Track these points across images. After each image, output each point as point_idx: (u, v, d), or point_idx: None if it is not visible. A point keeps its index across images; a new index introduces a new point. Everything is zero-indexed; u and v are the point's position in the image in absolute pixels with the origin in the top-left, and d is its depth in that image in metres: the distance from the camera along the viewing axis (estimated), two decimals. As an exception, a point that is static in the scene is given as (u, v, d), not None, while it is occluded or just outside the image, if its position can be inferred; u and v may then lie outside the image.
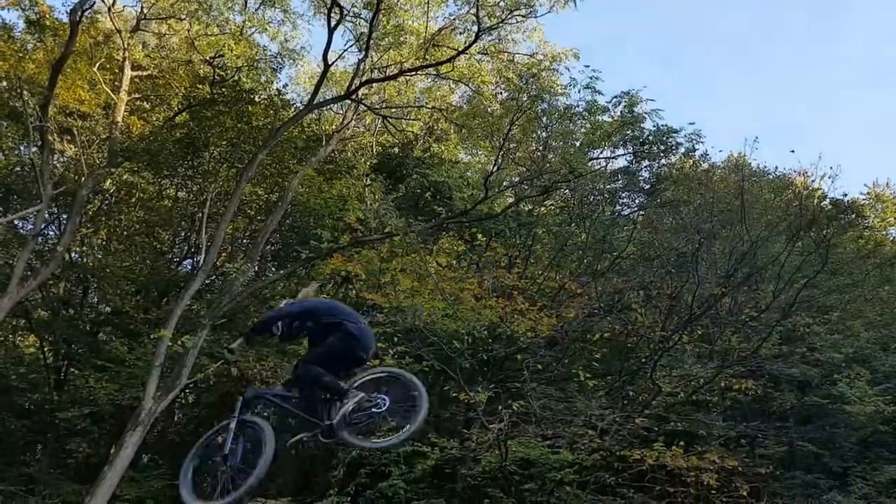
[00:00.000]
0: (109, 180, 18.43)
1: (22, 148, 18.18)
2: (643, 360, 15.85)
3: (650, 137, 17.14)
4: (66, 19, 17.11)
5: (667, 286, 16.06)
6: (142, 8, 18.72)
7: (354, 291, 18.44)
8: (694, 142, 17.09)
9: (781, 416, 18.54)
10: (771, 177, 20.91)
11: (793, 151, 31.67)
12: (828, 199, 16.82)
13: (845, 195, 16.43)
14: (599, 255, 17.92)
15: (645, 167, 18.40)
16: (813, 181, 17.52)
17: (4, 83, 16.65)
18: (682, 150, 17.44)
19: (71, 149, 18.18)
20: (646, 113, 16.93)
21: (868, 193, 42.25)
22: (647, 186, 18.68)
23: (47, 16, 17.98)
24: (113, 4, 17.77)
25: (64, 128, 17.58)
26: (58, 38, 17.07)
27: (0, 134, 17.73)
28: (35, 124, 15.99)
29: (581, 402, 15.13)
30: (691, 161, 18.44)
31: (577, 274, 17.32)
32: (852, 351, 18.07)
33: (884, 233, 32.50)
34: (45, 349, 19.09)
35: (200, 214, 17.79)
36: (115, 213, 20.12)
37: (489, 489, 14.45)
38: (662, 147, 17.33)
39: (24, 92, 16.17)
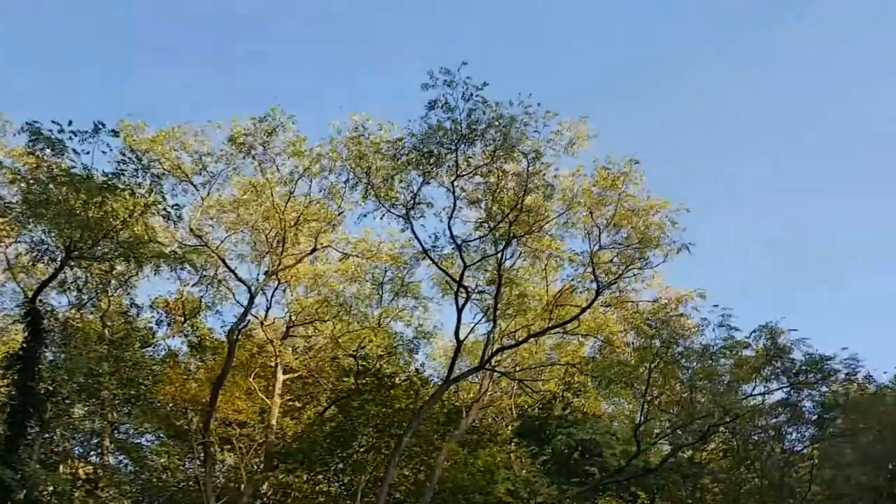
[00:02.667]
0: (266, 483, 19.03)
1: (187, 463, 19.32)
2: None
3: (804, 367, 16.30)
4: (223, 338, 19.16)
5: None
6: (290, 317, 20.68)
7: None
8: (853, 366, 16.10)
9: None
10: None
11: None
12: None
13: None
14: (780, 501, 16.25)
15: (806, 397, 17.26)
16: None
17: (171, 405, 18.22)
18: (841, 374, 16.39)
19: (231, 457, 19.17)
20: (791, 343, 16.31)
21: None
22: (815, 417, 17.36)
23: (207, 337, 20.17)
24: (265, 318, 19.74)
25: (224, 438, 18.75)
26: (217, 355, 18.90)
27: (168, 453, 19.06)
28: (199, 440, 17.17)
29: None
30: (855, 385, 17.18)
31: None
32: None
33: None
34: None
35: (353, 505, 17.81)
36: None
37: None
38: (819, 375, 16.37)
39: (189, 411, 17.62)
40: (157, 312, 19.98)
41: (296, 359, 20.68)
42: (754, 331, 16.79)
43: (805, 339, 16.47)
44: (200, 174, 18.20)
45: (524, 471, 18.48)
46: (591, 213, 18.47)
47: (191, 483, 18.84)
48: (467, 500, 18.17)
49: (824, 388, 16.76)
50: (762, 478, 16.44)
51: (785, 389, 17.10)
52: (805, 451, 17.87)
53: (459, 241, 17.69)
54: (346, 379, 19.51)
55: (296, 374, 20.31)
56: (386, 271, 20.54)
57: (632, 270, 19.13)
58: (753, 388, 17.22)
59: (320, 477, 20.22)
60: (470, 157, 16.66)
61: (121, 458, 19.12)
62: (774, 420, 17.83)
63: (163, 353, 19.70)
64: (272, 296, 19.65)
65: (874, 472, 15.89)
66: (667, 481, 17.02)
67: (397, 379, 19.84)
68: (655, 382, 18.03)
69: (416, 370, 21.12)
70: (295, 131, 17.97)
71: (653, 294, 20.56)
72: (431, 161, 16.28)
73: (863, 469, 16.37)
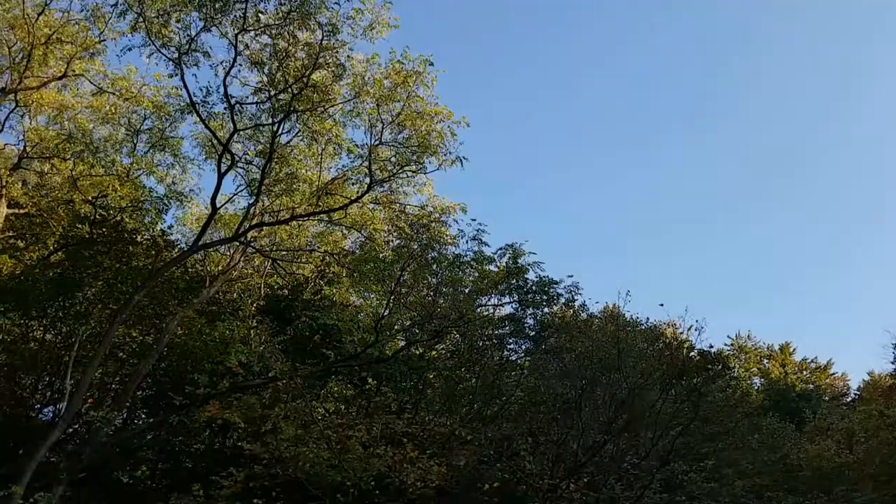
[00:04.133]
0: (-30, 320, 16.99)
1: None
2: (533, 509, 15.63)
3: (533, 287, 17.97)
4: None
5: (553, 432, 16.22)
6: (25, 146, 18.26)
7: (231, 441, 17.41)
8: (573, 293, 18.09)
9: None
10: (643, 327, 22.21)
11: (661, 305, 34.44)
12: (696, 350, 17.91)
13: (711, 346, 17.60)
14: (489, 401, 18.00)
15: (530, 315, 19.11)
16: (681, 332, 18.71)
17: None
18: (562, 300, 18.36)
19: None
20: (529, 265, 17.86)
21: (732, 345, 45.56)
22: (533, 333, 19.31)
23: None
24: (-7, 142, 17.28)
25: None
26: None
27: None
28: None
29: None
30: (572, 311, 19.34)
31: (468, 419, 17.22)
32: (728, 499, 18.61)
33: (749, 382, 34.70)
34: None
35: (67, 358, 16.58)
36: (-27, 355, 18.39)
37: None
38: (545, 297, 18.16)
39: None
40: None
41: (25, 194, 18.41)
42: (500, 248, 18.12)
43: (540, 262, 18.14)
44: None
45: (262, 347, 18.41)
46: (378, 105, 18.38)
47: None
48: (196, 367, 17.75)
49: (546, 309, 18.69)
50: (479, 379, 18.03)
51: (514, 305, 18.81)
52: (519, 361, 19.92)
53: (234, 102, 16.67)
54: (80, 226, 17.81)
55: (22, 211, 18.11)
56: (145, 119, 18.79)
57: (406, 172, 19.55)
58: (488, 300, 18.69)
59: (35, 323, 18.53)
60: (261, 13, 15.60)
61: None
62: (499, 331, 19.57)
63: None
64: (6, 119, 17.21)
65: (570, 385, 18.12)
66: (396, 371, 17.96)
67: (139, 237, 18.56)
68: (405, 283, 18.81)
69: (163, 231, 19.88)
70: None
71: (421, 200, 21.25)
72: (217, 6, 14.98)
73: (561, 382, 18.63)
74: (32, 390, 19.43)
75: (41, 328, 18.82)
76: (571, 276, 18.75)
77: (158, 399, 19.34)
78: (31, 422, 18.50)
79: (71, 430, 16.76)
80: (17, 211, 17.97)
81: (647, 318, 20.67)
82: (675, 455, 16.64)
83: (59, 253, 17.59)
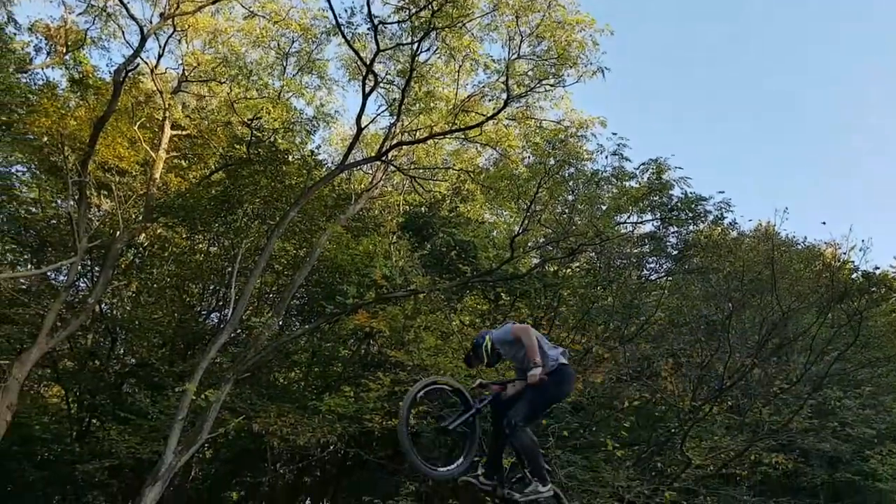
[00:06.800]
0: (144, 235, 18.83)
1: (60, 201, 18.69)
2: (672, 430, 15.45)
3: (678, 204, 17.13)
4: (109, 79, 17.93)
5: (697, 354, 15.79)
6: (183, 71, 19.47)
7: (376, 348, 18.41)
8: (723, 210, 17.04)
9: (812, 492, 17.85)
10: (800, 247, 20.71)
11: (824, 223, 31.44)
12: (859, 272, 16.55)
13: (877, 268, 16.13)
14: (627, 320, 17.71)
15: (672, 233, 18.30)
16: (843, 253, 17.29)
17: (46, 139, 17.26)
18: (710, 218, 17.38)
19: (107, 203, 18.67)
20: (674, 180, 17.00)
21: (899, 266, 41.71)
22: (675, 253, 18.54)
23: (90, 75, 18.79)
24: (156, 66, 18.51)
25: (102, 183, 18.12)
26: (100, 96, 17.77)
27: (39, 187, 18.28)
28: (74, 179, 16.48)
29: (608, 473, 14.69)
30: (720, 229, 18.34)
31: (604, 338, 17.10)
32: (884, 427, 17.47)
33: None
34: (70, 400, 19.20)
35: (230, 269, 18.04)
36: (147, 266, 20.48)
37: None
38: (690, 214, 17.29)
39: (66, 148, 16.72)
40: (37, 37, 18.25)
41: (186, 116, 19.77)
42: (643, 163, 17.32)
43: (686, 178, 17.18)
44: None
45: (402, 261, 19.07)
46: (517, 17, 17.83)
47: (63, 222, 18.34)
48: (343, 279, 18.77)
49: (691, 227, 17.83)
50: (616, 298, 17.71)
51: (655, 223, 18.09)
52: (659, 281, 19.32)
53: (377, 22, 16.75)
54: (237, 147, 18.96)
55: (184, 132, 19.49)
56: (294, 42, 19.39)
57: (544, 86, 19.03)
58: (628, 217, 18.10)
59: (200, 237, 20.23)
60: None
61: (-13, 183, 18.13)
62: (638, 250, 19.01)
63: (41, 82, 18.23)
64: (165, 44, 18.28)
65: (716, 307, 17.43)
66: (530, 288, 18.04)
67: (291, 156, 19.51)
68: (540, 199, 18.60)
69: (311, 151, 20.76)
70: None
71: (558, 114, 20.70)
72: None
73: (706, 303, 17.94)
74: (199, 298, 21.46)
75: (206, 242, 20.55)
76: (722, 191, 17.75)
77: (311, 308, 20.77)
78: (199, 326, 20.54)
79: (235, 334, 18.41)
80: (179, 132, 19.36)
81: (805, 238, 19.25)
82: (829, 381, 15.70)
83: (220, 172, 18.86)
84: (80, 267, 17.36)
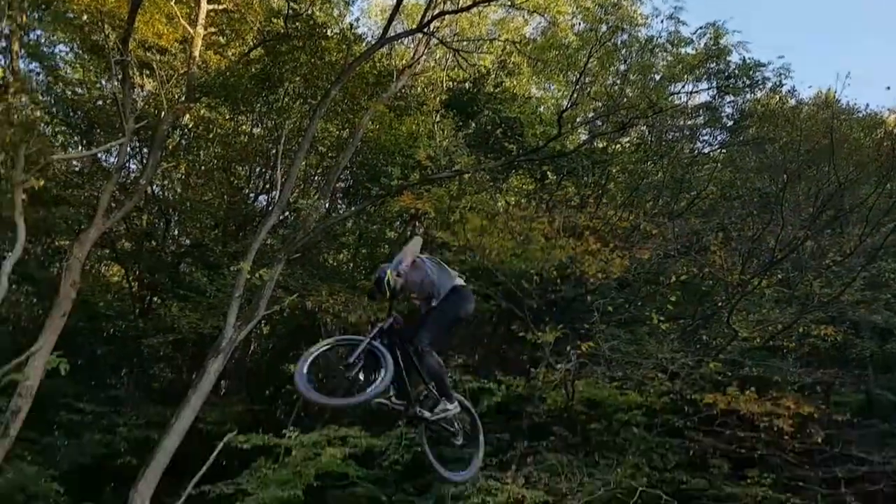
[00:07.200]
0: (188, 115, 18.80)
1: (104, 81, 18.66)
2: (719, 303, 15.43)
3: (735, 71, 16.25)
4: (144, -47, 17.28)
5: (748, 228, 15.45)
6: (217, -59, 18.62)
7: (423, 229, 18.51)
8: (782, 76, 16.17)
9: (861, 364, 17.80)
10: (862, 115, 19.62)
11: (888, 88, 29.56)
12: (923, 138, 15.64)
13: (944, 133, 15.20)
14: (677, 195, 17.37)
15: (728, 103, 17.52)
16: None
17: (86, 17, 16.96)
18: (768, 85, 16.52)
19: (151, 83, 18.56)
20: (732, 46, 16.04)
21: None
22: (731, 123, 17.80)
23: (126, -51, 18.11)
24: (187, -63, 17.73)
25: (144, 62, 17.90)
26: (136, -29, 17.16)
27: (83, 67, 18.21)
28: (116, 58, 16.30)
29: (652, 346, 14.91)
30: (778, 97, 17.43)
31: (653, 214, 16.83)
32: (940, 296, 17.09)
33: None
34: (130, 278, 20.07)
35: (275, 151, 18.05)
36: (194, 148, 20.62)
37: (554, 427, 14.55)
38: (748, 82, 16.43)
39: (105, 26, 16.45)
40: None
41: (221, -11, 19.12)
42: (700, 28, 16.33)
43: (746, 42, 16.20)
44: None
45: (446, 141, 18.76)
46: None
47: (108, 102, 18.39)
48: (388, 160, 18.63)
49: (749, 96, 17.00)
50: (666, 173, 17.27)
51: (711, 92, 17.27)
52: (713, 153, 18.71)
53: None
54: (275, 20, 18.39)
55: (220, 6, 18.88)
56: None
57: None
58: (682, 87, 17.30)
59: (243, 118, 20.15)
60: None
61: (32, 65, 18.12)
62: (692, 121, 18.29)
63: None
64: None
65: (770, 179, 16.85)
66: (578, 165, 17.66)
67: (329, 31, 18.89)
68: (590, 70, 17.82)
69: (350, 24, 20.05)
70: None
71: (609, -25, 19.36)
72: None
73: (760, 176, 17.35)
74: (247, 181, 21.69)
75: (249, 123, 20.48)
76: (782, 56, 16.70)
77: (356, 190, 20.85)
78: (248, 209, 20.90)
79: (283, 216, 18.69)
80: (216, 6, 18.75)
81: (867, 105, 18.17)
82: (884, 252, 15.28)
83: (259, 49, 18.45)
84: (129, 148, 17.54)
